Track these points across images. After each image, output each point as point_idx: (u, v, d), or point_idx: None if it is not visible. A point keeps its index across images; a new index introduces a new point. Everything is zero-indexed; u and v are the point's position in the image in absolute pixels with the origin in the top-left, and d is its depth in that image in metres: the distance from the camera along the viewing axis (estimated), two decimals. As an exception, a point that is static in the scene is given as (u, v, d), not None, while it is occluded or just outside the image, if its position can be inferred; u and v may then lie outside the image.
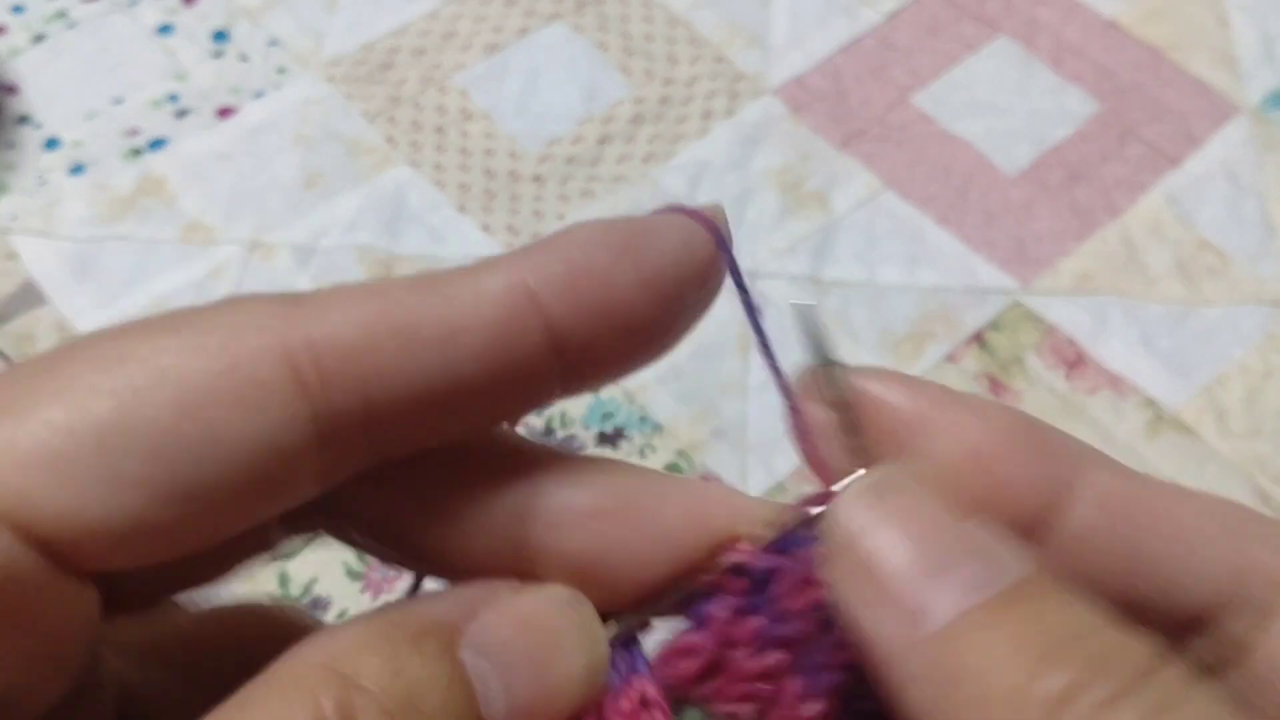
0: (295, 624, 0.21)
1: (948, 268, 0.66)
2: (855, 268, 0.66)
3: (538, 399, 0.18)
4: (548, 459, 0.18)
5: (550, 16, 0.78)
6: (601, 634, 0.17)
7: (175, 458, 0.14)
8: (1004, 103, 0.73)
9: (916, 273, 0.66)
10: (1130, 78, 0.74)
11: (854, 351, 0.63)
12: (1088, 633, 0.15)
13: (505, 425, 0.18)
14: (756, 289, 0.65)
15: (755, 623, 0.18)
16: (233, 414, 0.15)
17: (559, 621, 0.17)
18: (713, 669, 0.18)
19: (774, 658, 0.18)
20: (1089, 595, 0.16)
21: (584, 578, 0.18)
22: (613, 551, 0.17)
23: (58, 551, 0.15)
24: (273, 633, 0.18)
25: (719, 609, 0.19)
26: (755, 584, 0.19)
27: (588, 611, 0.17)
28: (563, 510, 0.17)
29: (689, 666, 0.18)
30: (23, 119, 0.74)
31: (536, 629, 0.17)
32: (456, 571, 0.18)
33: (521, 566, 0.18)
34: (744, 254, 0.67)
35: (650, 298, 0.17)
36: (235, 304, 0.16)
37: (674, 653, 0.18)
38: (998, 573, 0.16)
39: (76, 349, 0.15)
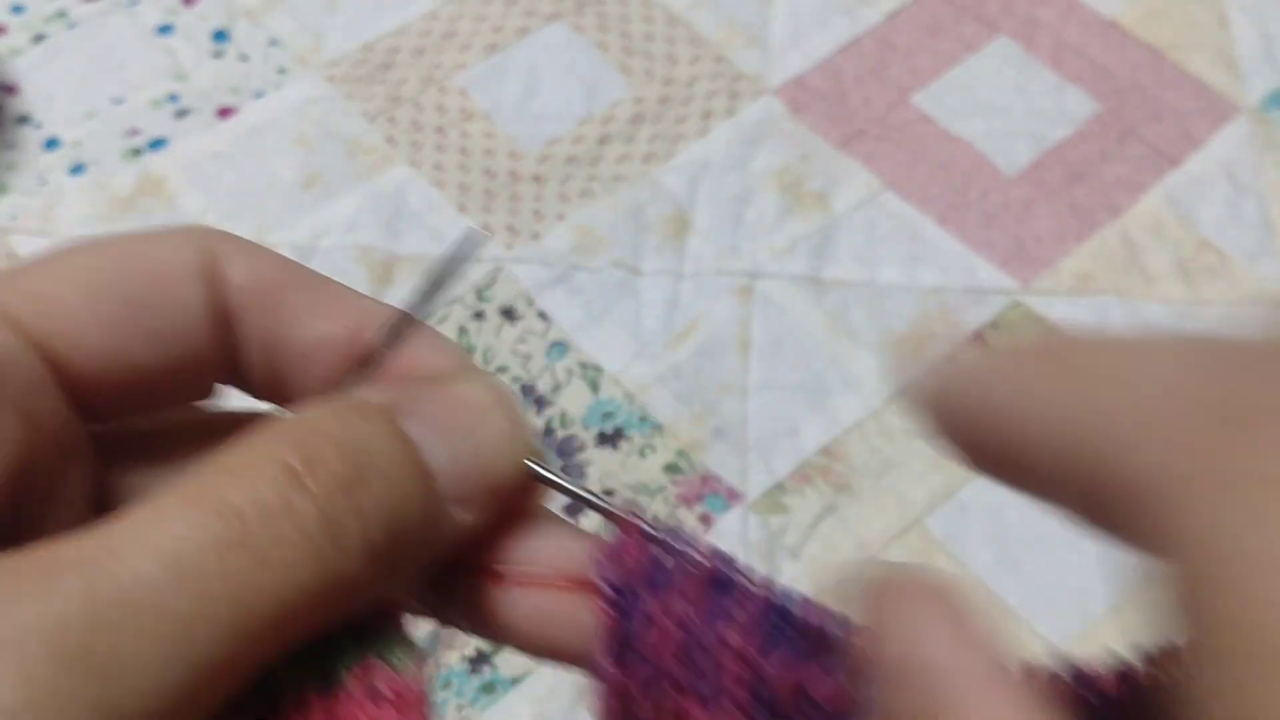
0: None
1: (948, 268, 0.66)
2: (855, 268, 0.66)
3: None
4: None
5: (550, 16, 0.78)
6: (515, 401, 0.21)
7: (136, 306, 0.20)
8: (1004, 103, 0.73)
9: (916, 272, 0.66)
10: (1130, 78, 0.74)
11: (854, 352, 0.63)
12: None
13: None
14: (756, 289, 0.65)
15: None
16: (170, 282, 0.20)
17: (485, 398, 0.20)
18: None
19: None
20: None
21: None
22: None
23: (55, 363, 0.19)
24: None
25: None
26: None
27: (500, 384, 0.21)
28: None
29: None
30: (23, 119, 0.74)
31: (467, 404, 0.20)
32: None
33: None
34: (744, 254, 0.67)
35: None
36: (188, 226, 0.21)
37: None
38: None
39: (64, 250, 0.20)
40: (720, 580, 0.19)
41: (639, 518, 0.20)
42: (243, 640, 0.16)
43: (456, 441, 0.19)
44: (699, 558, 0.19)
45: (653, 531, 0.20)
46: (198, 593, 0.16)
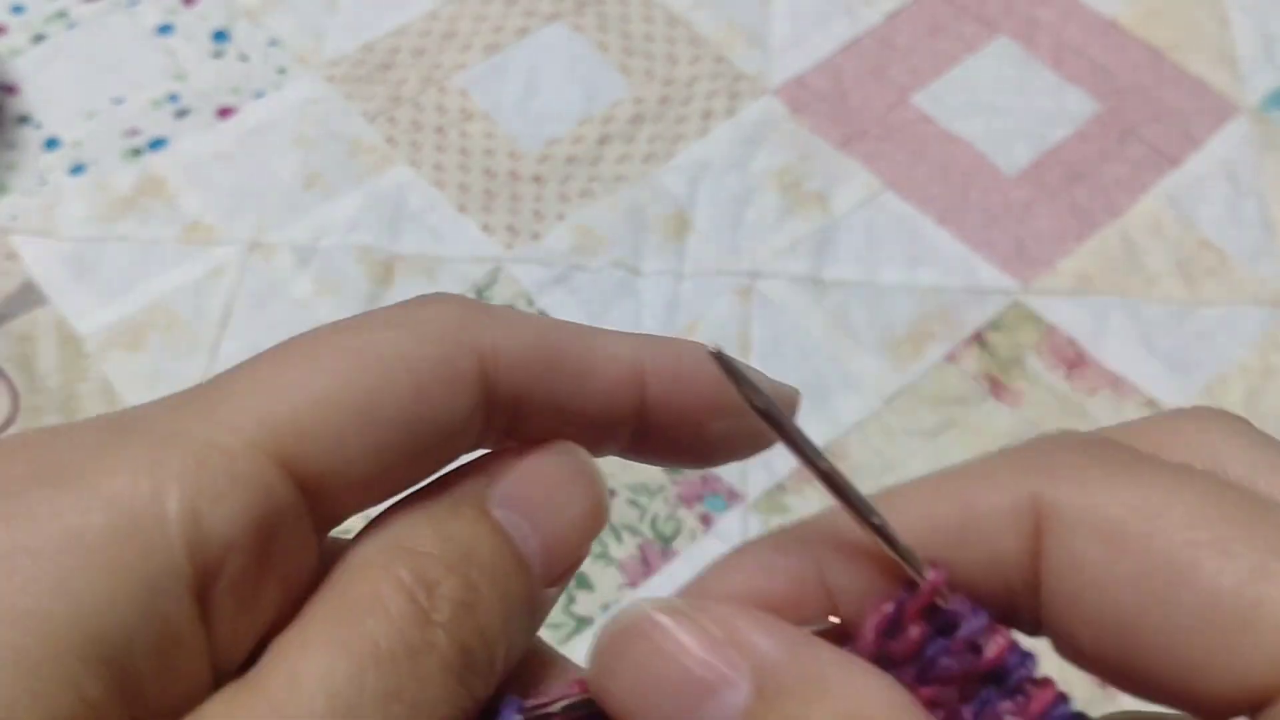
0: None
1: (948, 268, 0.66)
2: (855, 268, 0.66)
3: (605, 448, 0.22)
4: None
5: (550, 16, 0.78)
6: (598, 473, 0.20)
7: (406, 427, 0.18)
8: (1004, 103, 0.73)
9: (916, 273, 0.66)
10: (1130, 78, 0.74)
11: (854, 352, 0.63)
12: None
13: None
14: (756, 289, 0.65)
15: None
16: (443, 395, 0.19)
17: (562, 471, 0.20)
18: None
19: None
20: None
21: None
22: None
23: (314, 497, 0.18)
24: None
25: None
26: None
27: (582, 455, 0.20)
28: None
29: None
30: (23, 119, 0.74)
31: (546, 479, 0.20)
32: None
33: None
34: (744, 254, 0.67)
35: (718, 428, 0.22)
36: (438, 304, 0.20)
37: None
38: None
39: (312, 341, 0.19)
40: (1000, 677, 0.18)
41: (938, 583, 0.18)
42: None
43: (545, 525, 0.19)
44: (987, 646, 0.18)
45: (943, 604, 0.18)
46: None
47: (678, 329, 0.64)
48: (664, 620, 0.18)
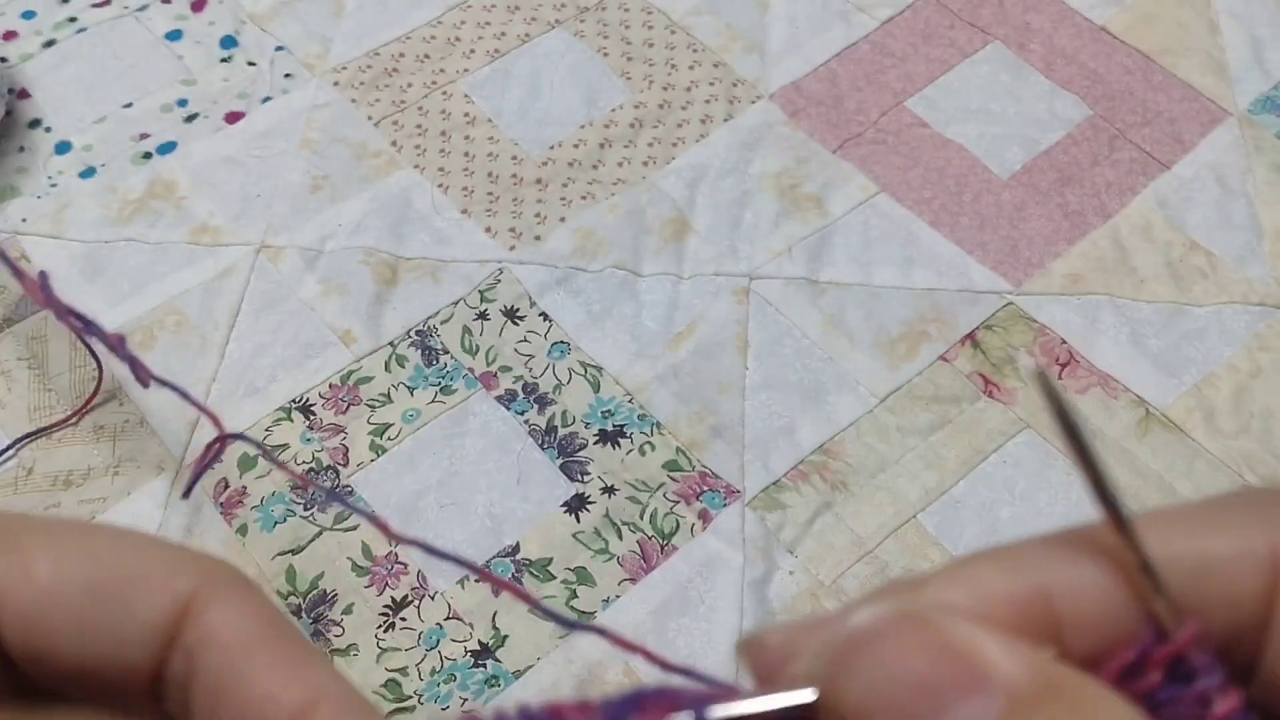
0: None
1: (942, 269, 0.68)
2: (851, 269, 0.68)
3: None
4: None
5: (552, 23, 0.79)
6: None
7: (95, 629, 0.19)
8: (997, 107, 0.75)
9: (911, 274, 0.67)
10: (1121, 83, 0.76)
11: (850, 352, 0.64)
12: None
13: None
14: (754, 290, 0.67)
15: None
16: (122, 606, 0.20)
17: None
18: None
19: None
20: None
21: None
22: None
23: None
24: None
25: None
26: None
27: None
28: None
29: None
30: (33, 123, 0.75)
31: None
32: None
33: None
34: (742, 256, 0.68)
35: None
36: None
37: None
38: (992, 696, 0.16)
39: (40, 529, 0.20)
40: None
41: (1194, 636, 0.18)
42: None
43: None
44: (1218, 702, 0.18)
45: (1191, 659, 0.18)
46: None
47: (677, 329, 0.65)
48: (913, 622, 0.17)
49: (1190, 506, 0.19)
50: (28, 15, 0.81)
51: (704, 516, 0.59)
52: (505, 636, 0.56)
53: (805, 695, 0.18)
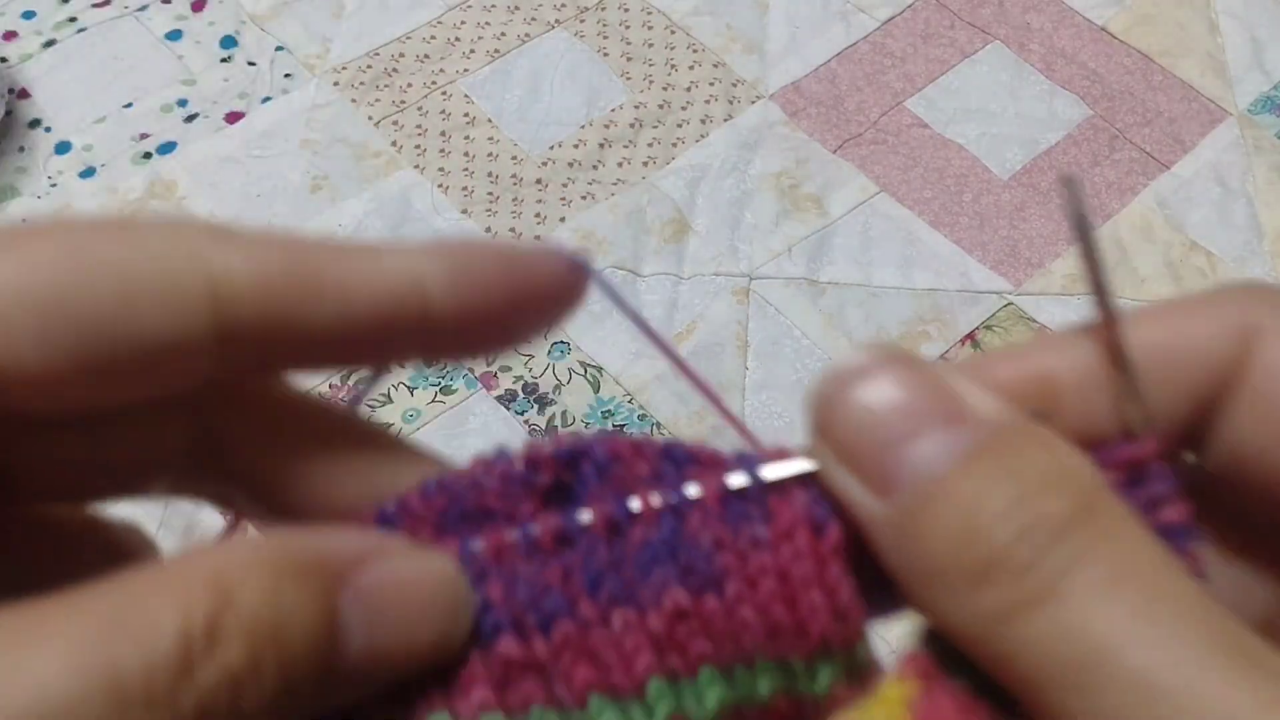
0: (132, 545, 0.22)
1: (941, 269, 0.68)
2: (851, 269, 0.68)
3: (393, 360, 0.21)
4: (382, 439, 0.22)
5: (552, 24, 0.79)
6: (466, 611, 0.19)
7: (103, 334, 0.18)
8: (996, 108, 0.75)
9: (911, 274, 0.68)
10: (1121, 83, 0.76)
11: (850, 351, 0.64)
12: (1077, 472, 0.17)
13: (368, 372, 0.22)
14: (754, 290, 0.67)
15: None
16: (152, 309, 0.18)
17: (434, 593, 0.19)
18: None
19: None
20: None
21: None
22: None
23: None
24: (113, 549, 0.21)
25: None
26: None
27: (462, 587, 0.19)
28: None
29: None
30: (34, 123, 0.75)
31: (414, 594, 0.18)
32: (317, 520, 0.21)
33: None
34: (742, 256, 0.68)
35: (512, 311, 0.21)
36: (177, 226, 0.18)
37: None
38: (970, 431, 0.17)
39: (28, 233, 0.18)
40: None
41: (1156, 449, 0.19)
42: None
43: (386, 632, 0.18)
44: (1166, 510, 0.19)
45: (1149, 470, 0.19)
46: None
47: (677, 329, 0.65)
48: (901, 361, 0.18)
49: (1178, 299, 0.20)
50: (28, 15, 0.81)
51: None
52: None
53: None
